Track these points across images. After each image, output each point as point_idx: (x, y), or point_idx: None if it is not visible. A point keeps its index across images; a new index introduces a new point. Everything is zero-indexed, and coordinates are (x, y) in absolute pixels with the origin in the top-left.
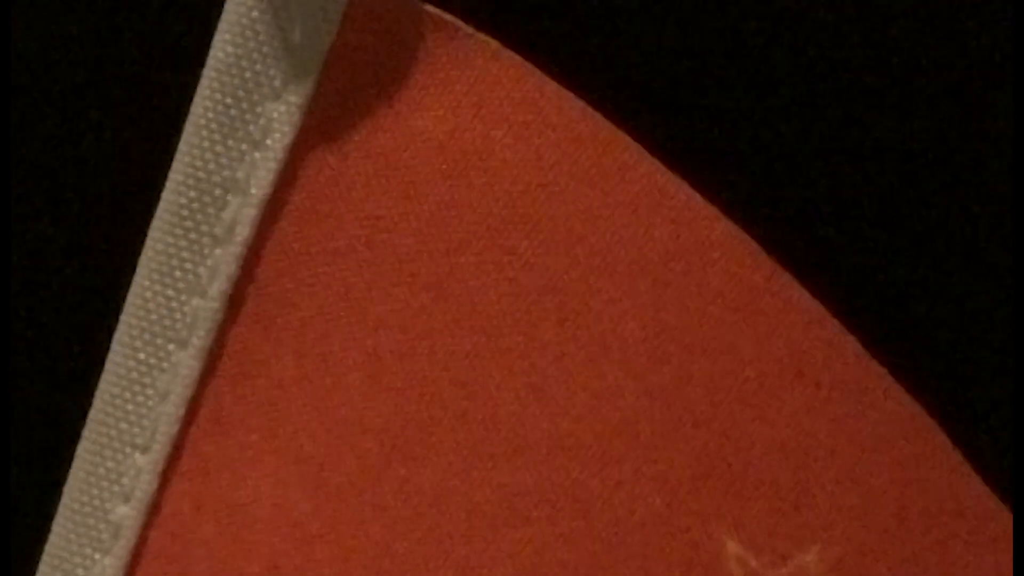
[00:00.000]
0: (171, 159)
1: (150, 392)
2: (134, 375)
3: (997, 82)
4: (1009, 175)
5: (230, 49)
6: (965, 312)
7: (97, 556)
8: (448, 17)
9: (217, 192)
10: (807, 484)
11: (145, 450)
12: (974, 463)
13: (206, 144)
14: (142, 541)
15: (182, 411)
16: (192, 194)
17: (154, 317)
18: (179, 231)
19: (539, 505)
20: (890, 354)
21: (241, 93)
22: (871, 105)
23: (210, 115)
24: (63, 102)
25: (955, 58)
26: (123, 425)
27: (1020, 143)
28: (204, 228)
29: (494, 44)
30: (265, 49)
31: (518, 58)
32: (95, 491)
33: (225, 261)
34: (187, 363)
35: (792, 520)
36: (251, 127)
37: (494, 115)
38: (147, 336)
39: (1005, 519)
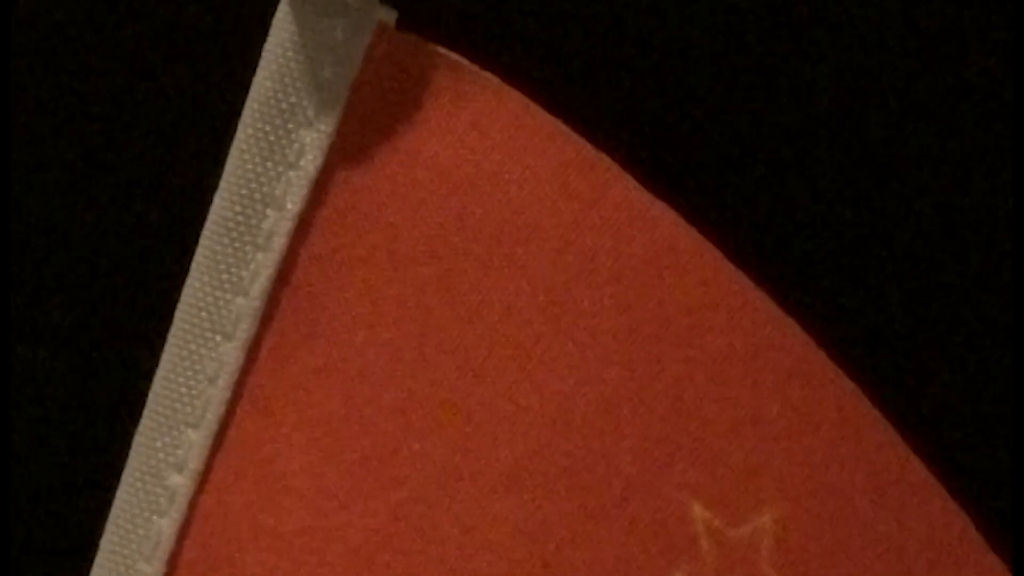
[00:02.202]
0: (219, 178)
1: (200, 377)
2: (187, 362)
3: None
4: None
5: (269, 84)
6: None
7: (155, 518)
8: (455, 56)
9: (258, 206)
10: (762, 455)
11: (196, 426)
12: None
13: (248, 165)
14: (193, 505)
15: (228, 394)
16: (237, 208)
17: (204, 313)
18: (226, 239)
19: (532, 474)
20: (838, 345)
21: (279, 121)
22: (836, 119)
23: (252, 140)
24: (131, 131)
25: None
26: (177, 405)
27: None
28: (247, 237)
29: (494, 80)
30: (299, 84)
31: (515, 91)
32: (153, 462)
33: (265, 265)
34: (232, 353)
35: (750, 486)
36: (287, 150)
37: (493, 140)
38: (198, 329)
39: (934, 487)
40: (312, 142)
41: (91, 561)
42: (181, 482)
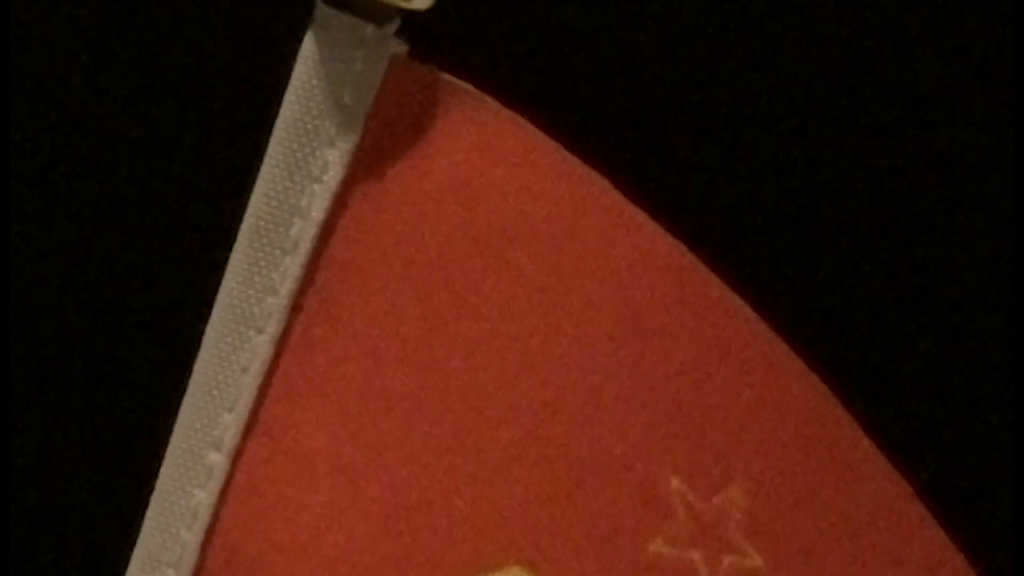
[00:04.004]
0: (251, 191)
1: (235, 367)
2: (223, 354)
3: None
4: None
5: (296, 107)
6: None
7: (195, 491)
8: (460, 83)
9: (286, 215)
10: (732, 436)
11: (231, 410)
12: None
13: (277, 179)
14: (228, 480)
15: (259, 381)
16: (267, 216)
17: (238, 311)
18: (256, 244)
19: (529, 454)
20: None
21: (304, 140)
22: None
23: (280, 157)
24: (178, 150)
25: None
26: (215, 391)
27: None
28: (276, 243)
29: (495, 103)
30: (322, 108)
31: (513, 113)
32: (193, 441)
33: (292, 268)
34: (263, 345)
35: (720, 463)
36: (312, 166)
37: (494, 157)
38: (233, 325)
39: (882, 464)
40: (334, 159)
41: (139, 529)
42: (218, 459)
